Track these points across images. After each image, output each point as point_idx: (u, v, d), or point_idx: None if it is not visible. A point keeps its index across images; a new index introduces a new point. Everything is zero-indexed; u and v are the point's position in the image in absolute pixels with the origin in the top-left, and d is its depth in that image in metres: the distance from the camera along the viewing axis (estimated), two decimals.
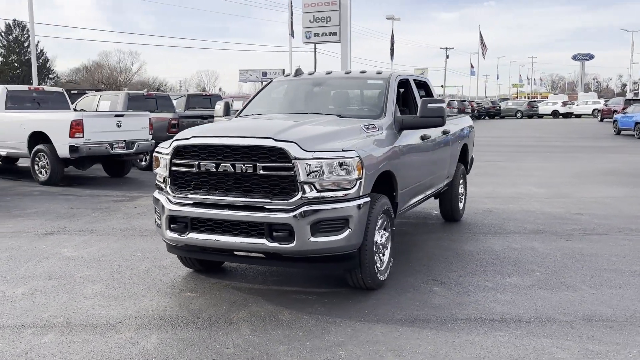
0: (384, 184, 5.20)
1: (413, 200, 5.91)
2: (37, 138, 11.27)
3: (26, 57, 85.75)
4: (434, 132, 6.49)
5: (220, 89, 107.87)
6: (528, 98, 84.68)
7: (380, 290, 4.89)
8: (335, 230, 4.36)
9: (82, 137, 10.61)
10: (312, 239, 4.29)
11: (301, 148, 4.28)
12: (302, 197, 4.27)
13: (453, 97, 58.81)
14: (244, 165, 4.37)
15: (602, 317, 4.31)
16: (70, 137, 10.62)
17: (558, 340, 3.87)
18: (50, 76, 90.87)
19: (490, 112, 52.54)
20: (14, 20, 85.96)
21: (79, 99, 15.95)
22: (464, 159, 8.31)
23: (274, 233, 4.33)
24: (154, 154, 4.91)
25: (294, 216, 4.25)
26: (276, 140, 4.32)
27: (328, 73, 6.36)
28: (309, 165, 4.25)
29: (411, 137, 5.72)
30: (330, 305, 4.56)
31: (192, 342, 3.85)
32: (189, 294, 4.85)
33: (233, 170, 4.41)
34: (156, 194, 4.92)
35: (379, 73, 6.01)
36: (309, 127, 4.84)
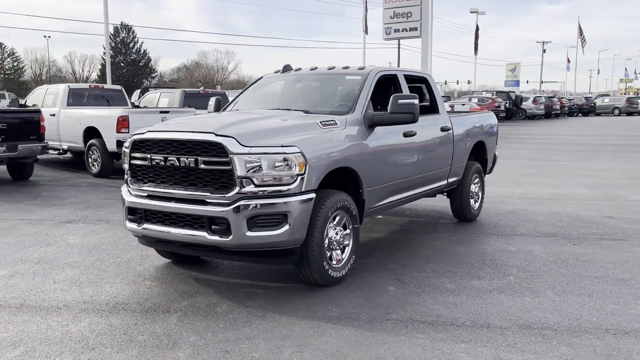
0: (348, 180, 5.15)
1: (392, 198, 5.79)
2: (91, 133, 12.01)
3: (131, 58, 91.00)
4: (426, 129, 6.34)
5: None
6: (637, 94, 79.27)
7: (335, 287, 4.87)
8: (273, 225, 4.38)
9: (128, 132, 11.18)
10: (249, 233, 4.34)
11: (239, 143, 4.34)
12: (239, 191, 4.33)
13: (553, 93, 56.07)
14: (187, 159, 4.50)
15: (543, 325, 4.07)
16: (117, 132, 11.24)
17: (474, 346, 3.70)
18: (153, 75, 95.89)
19: (584, 109, 49.77)
20: (121, 23, 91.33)
21: (143, 96, 16.79)
22: (482, 158, 8.02)
23: (213, 226, 4.43)
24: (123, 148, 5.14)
25: (230, 210, 4.32)
26: (217, 135, 4.41)
27: (312, 69, 6.36)
28: (247, 160, 4.31)
29: (388, 134, 5.62)
30: (275, 299, 4.60)
31: (116, 328, 4.02)
32: (149, 282, 5.04)
33: (179, 164, 4.54)
34: (122, 187, 5.16)
35: (360, 69, 5.94)
36: (255, 122, 4.90)
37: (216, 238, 4.42)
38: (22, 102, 14.34)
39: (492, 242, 6.51)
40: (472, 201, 7.69)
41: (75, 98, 13.10)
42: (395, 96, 5.34)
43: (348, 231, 5.08)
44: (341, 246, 5.01)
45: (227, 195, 4.37)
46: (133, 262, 5.69)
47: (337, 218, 4.92)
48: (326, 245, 4.80)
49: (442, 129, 6.64)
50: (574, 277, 5.20)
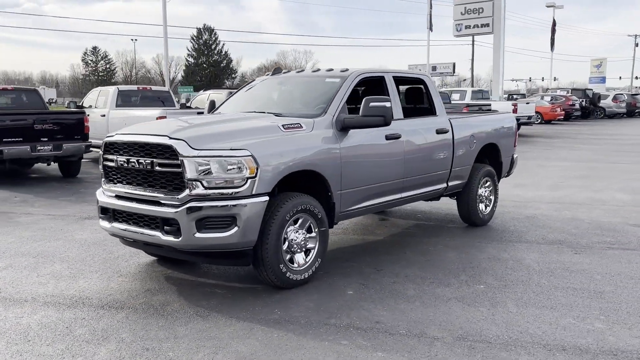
0: (317, 183, 5.16)
1: (372, 202, 5.72)
2: None
3: (213, 59, 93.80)
4: (417, 131, 6.23)
5: None
6: None
7: (294, 289, 4.89)
8: (221, 227, 4.47)
9: None
10: (198, 235, 4.44)
11: (189, 146, 4.45)
12: (189, 193, 4.44)
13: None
14: (145, 161, 4.67)
15: (480, 337, 3.93)
16: None
17: (390, 355, 3.63)
18: (234, 76, 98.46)
19: None
20: (204, 25, 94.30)
21: (195, 96, 17.39)
22: (495, 161, 7.77)
23: (166, 227, 4.57)
24: None
25: (180, 212, 4.44)
26: (170, 138, 4.54)
27: (299, 72, 6.39)
28: (197, 162, 4.41)
29: (367, 137, 5.56)
30: (230, 300, 4.68)
31: (63, 321, 4.23)
32: (121, 279, 5.25)
33: (138, 166, 4.72)
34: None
35: (342, 71, 5.91)
36: (213, 126, 4.99)
37: (169, 238, 4.55)
38: (79, 103, 15.19)
39: (488, 249, 6.30)
40: (481, 205, 7.45)
41: (124, 99, 13.72)
42: (367, 99, 5.28)
43: (314, 234, 5.07)
44: (304, 249, 5.01)
45: (178, 197, 4.49)
46: (121, 258, 5.92)
47: (300, 221, 4.94)
48: (285, 248, 4.82)
49: (438, 132, 6.48)
50: (549, 288, 4.96)
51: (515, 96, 35.72)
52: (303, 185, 5.18)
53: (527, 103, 24.02)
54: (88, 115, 11.90)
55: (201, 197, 4.45)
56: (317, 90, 5.80)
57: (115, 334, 4.00)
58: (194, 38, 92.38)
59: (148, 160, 4.64)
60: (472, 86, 49.73)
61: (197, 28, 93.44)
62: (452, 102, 23.21)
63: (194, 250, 4.60)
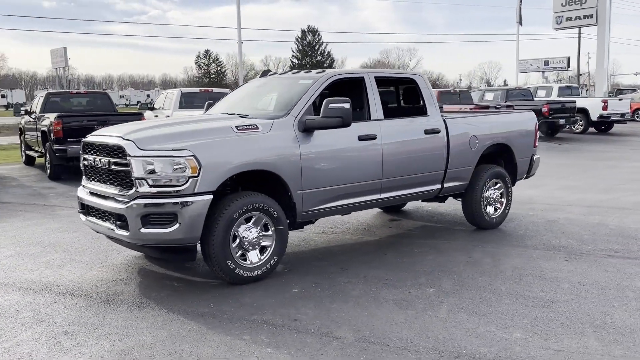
0: (277, 183, 5.30)
1: (343, 202, 5.75)
2: None
3: (316, 59, 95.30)
4: (399, 131, 6.18)
5: (504, 81, 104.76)
6: None
7: (248, 285, 5.05)
8: (164, 224, 4.74)
9: None
10: (143, 230, 4.75)
11: (137, 146, 4.77)
12: (136, 191, 4.76)
13: None
14: (104, 160, 5.05)
15: (379, 340, 3.92)
16: None
17: (277, 351, 3.74)
18: None
19: None
20: (308, 26, 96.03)
21: None
22: (509, 162, 7.50)
23: (117, 222, 4.91)
24: None
25: (127, 208, 4.77)
26: (123, 139, 4.89)
27: (282, 74, 6.52)
28: (142, 162, 4.72)
29: (336, 138, 5.61)
30: (178, 293, 4.95)
31: (18, 305, 4.69)
32: (99, 269, 5.68)
33: (101, 165, 5.11)
34: None
35: (318, 73, 5.99)
36: (165, 128, 5.25)
37: (121, 232, 4.89)
38: (150, 105, 16.21)
39: (475, 252, 6.13)
40: (489, 208, 7.22)
41: (187, 101, 14.46)
42: (327, 100, 5.34)
43: (270, 233, 5.21)
44: (259, 247, 5.17)
45: (127, 193, 4.82)
46: (116, 252, 6.36)
47: (254, 219, 5.10)
48: (234, 245, 5.00)
49: (428, 132, 6.38)
50: (501, 295, 4.79)
51: (625, 91, 33.37)
52: (264, 185, 5.33)
53: (620, 99, 22.42)
54: (156, 116, 12.66)
55: (147, 195, 4.74)
56: (290, 92, 5.91)
57: (51, 318, 4.38)
58: (298, 40, 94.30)
59: (106, 160, 5.01)
60: (578, 82, 46.96)
61: (301, 30, 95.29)
62: (536, 99, 22.15)
63: (141, 244, 4.90)
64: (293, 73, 6.42)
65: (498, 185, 7.32)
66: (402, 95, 7.12)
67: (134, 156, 4.73)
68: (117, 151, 4.89)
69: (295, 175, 5.32)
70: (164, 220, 4.73)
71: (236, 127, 5.16)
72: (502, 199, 7.39)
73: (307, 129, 5.43)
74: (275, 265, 5.28)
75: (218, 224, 4.88)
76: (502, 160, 7.65)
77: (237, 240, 5.04)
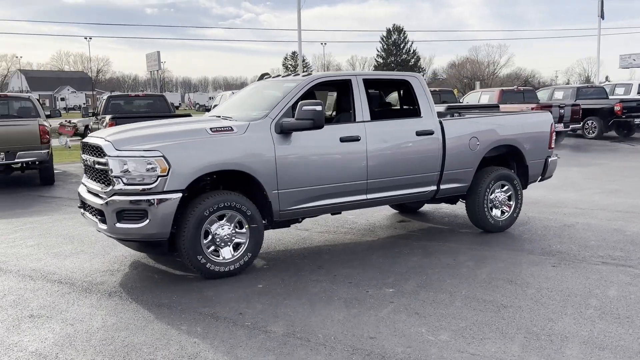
0: (252, 182, 5.53)
1: (323, 202, 5.86)
2: None
3: (401, 58, 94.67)
4: (387, 133, 6.24)
5: (606, 78, 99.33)
6: None
7: (220, 280, 5.31)
8: (136, 219, 5.10)
9: None
10: (118, 225, 5.13)
11: (114, 147, 5.16)
12: (113, 188, 5.16)
13: None
14: (91, 159, 5.49)
15: (306, 335, 4.05)
16: None
17: (202, 340, 3.95)
18: (422, 74, 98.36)
19: None
20: (393, 25, 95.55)
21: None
22: (520, 165, 7.35)
23: (98, 216, 5.33)
24: None
25: (105, 204, 5.17)
26: (105, 140, 5.30)
27: (275, 77, 6.73)
28: (118, 161, 5.11)
29: (316, 139, 5.76)
30: (153, 285, 5.28)
31: (7, 290, 5.18)
32: (98, 260, 6.12)
33: (89, 164, 5.56)
34: None
35: (305, 75, 6.15)
36: (143, 130, 5.58)
37: (102, 226, 5.30)
38: (207, 106, 16.89)
39: (464, 256, 6.09)
40: (495, 211, 7.11)
41: None
42: (300, 103, 5.51)
43: (244, 230, 5.46)
44: (233, 244, 5.42)
45: (106, 190, 5.22)
46: (122, 245, 6.79)
47: (227, 217, 5.36)
48: (206, 241, 5.28)
49: (420, 133, 6.39)
50: (455, 297, 4.78)
51: None
52: (245, 184, 5.57)
53: None
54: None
55: (122, 192, 5.11)
56: (274, 95, 6.11)
57: (28, 302, 4.83)
58: (383, 39, 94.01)
59: (92, 159, 5.44)
60: None
61: (386, 29, 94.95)
62: (612, 97, 21.04)
63: (117, 238, 5.28)
64: (283, 76, 6.62)
65: (505, 187, 7.17)
66: (395, 97, 7.13)
67: (111, 156, 5.10)
68: (99, 151, 5.29)
69: (269, 176, 5.51)
70: (136, 216, 5.07)
71: (210, 129, 5.43)
72: (511, 202, 7.23)
73: (283, 131, 5.60)
74: (249, 261, 5.50)
75: (189, 221, 5.17)
76: (514, 163, 7.47)
77: (210, 237, 5.30)
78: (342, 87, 6.19)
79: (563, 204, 8.75)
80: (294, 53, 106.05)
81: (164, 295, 4.94)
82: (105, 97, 15.19)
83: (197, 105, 72.22)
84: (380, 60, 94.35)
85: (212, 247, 5.33)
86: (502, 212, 7.18)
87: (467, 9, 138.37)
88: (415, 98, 6.57)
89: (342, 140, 5.91)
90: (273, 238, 6.90)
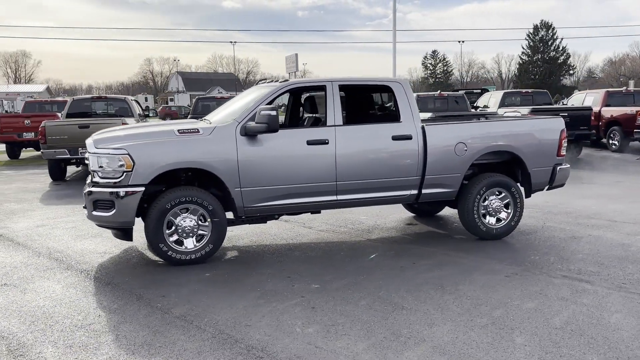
0: (219, 180, 6.08)
1: (290, 201, 6.20)
2: None
3: (549, 55, 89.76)
4: (360, 137, 6.48)
5: None
6: None
7: (183, 267, 5.89)
8: (106, 208, 5.87)
9: None
10: (94, 213, 5.95)
11: (94, 145, 5.98)
12: (92, 181, 5.99)
13: None
14: (85, 155, 6.36)
15: (205, 321, 4.51)
16: None
17: (113, 313, 4.58)
18: (571, 72, 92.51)
19: None
20: (541, 21, 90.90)
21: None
22: (523, 172, 7.21)
23: (84, 206, 6.19)
24: None
25: (86, 193, 6.01)
26: (91, 139, 6.14)
27: (269, 81, 7.16)
28: (96, 157, 5.92)
29: (279, 142, 6.16)
30: (132, 269, 6.03)
31: (19, 262, 6.14)
32: (109, 245, 7.00)
33: (85, 160, 6.44)
34: None
35: (281, 82, 6.56)
36: (123, 131, 6.29)
37: (86, 214, 6.14)
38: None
39: (427, 260, 6.15)
40: (488, 218, 7.03)
41: (420, 104, 15.45)
42: (259, 107, 5.96)
43: (207, 223, 6.03)
44: (196, 235, 6.02)
45: (88, 182, 6.05)
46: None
47: (190, 210, 5.96)
48: (169, 231, 5.93)
49: (396, 138, 6.54)
50: (369, 298, 4.94)
51: None
52: (212, 182, 6.11)
53: None
54: None
55: (98, 184, 5.90)
56: (250, 100, 6.58)
57: (12, 273, 5.76)
58: (530, 35, 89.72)
59: (86, 155, 6.30)
60: None
61: (533, 25, 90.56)
62: None
63: (96, 224, 6.08)
64: (268, 82, 7.04)
65: (502, 195, 7.04)
66: (376, 102, 7.25)
67: (91, 152, 5.91)
68: (87, 148, 6.13)
69: (232, 174, 6.01)
70: (106, 206, 5.83)
71: (178, 130, 6.04)
72: (508, 210, 7.08)
73: (247, 134, 6.07)
74: (210, 252, 6.04)
75: (152, 213, 5.83)
76: (519, 170, 7.29)
77: (173, 227, 5.91)
78: (319, 92, 6.49)
79: (584, 215, 8.30)
80: (433, 52, 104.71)
81: (120, 276, 5.64)
82: (195, 99, 16.44)
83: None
84: (525, 57, 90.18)
85: (176, 237, 5.93)
86: (498, 220, 7.05)
87: (634, 1, 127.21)
88: (396, 103, 6.70)
89: (309, 143, 6.24)
90: (268, 232, 7.41)
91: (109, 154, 5.79)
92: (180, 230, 5.93)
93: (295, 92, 7.79)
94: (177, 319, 4.50)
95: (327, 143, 6.27)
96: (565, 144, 7.35)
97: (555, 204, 9.17)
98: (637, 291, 5.08)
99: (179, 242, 5.97)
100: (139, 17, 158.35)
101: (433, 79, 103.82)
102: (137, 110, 14.48)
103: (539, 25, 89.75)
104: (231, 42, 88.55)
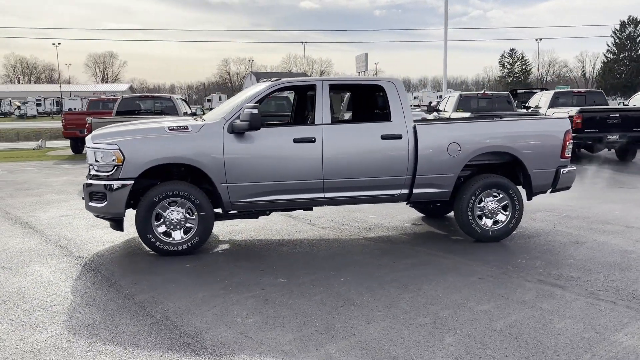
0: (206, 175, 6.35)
1: (276, 197, 6.35)
2: None
3: (636, 54, 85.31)
4: (348, 136, 6.57)
5: None
6: None
7: (166, 257, 6.23)
8: (99, 200, 6.25)
9: None
10: (90, 203, 6.35)
11: (92, 140, 6.39)
12: (89, 173, 6.41)
13: None
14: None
15: (157, 310, 4.78)
16: None
17: (77, 295, 4.92)
18: None
19: None
20: (629, 17, 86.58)
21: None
22: (524, 174, 7.08)
23: (83, 197, 6.61)
24: None
25: (84, 185, 6.43)
26: (91, 135, 6.56)
27: (265, 80, 7.34)
28: (92, 152, 6.32)
29: (266, 140, 6.34)
30: (110, 258, 6.43)
31: (16, 248, 6.69)
32: (117, 236, 7.46)
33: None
34: None
35: (274, 81, 6.74)
36: (118, 128, 6.65)
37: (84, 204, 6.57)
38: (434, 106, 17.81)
39: (408, 259, 6.15)
40: (484, 220, 6.94)
41: (464, 104, 15.44)
42: (244, 106, 6.18)
43: (194, 217, 6.32)
44: (184, 228, 6.31)
45: (86, 175, 6.47)
46: None
47: (178, 203, 6.26)
48: (157, 223, 6.24)
49: (385, 137, 6.58)
50: (323, 294, 5.04)
51: None
52: (201, 177, 6.38)
53: None
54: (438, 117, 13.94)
55: (94, 177, 6.30)
56: (243, 98, 6.79)
57: (15, 258, 6.23)
58: (616, 32, 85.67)
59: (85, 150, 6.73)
60: None
61: (620, 21, 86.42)
62: None
63: (94, 214, 6.47)
64: (263, 81, 7.22)
65: (500, 196, 6.93)
66: (367, 102, 7.27)
67: (89, 147, 6.32)
68: (86, 143, 6.54)
69: (218, 170, 6.24)
70: (99, 197, 6.21)
71: (168, 127, 6.34)
72: (506, 212, 6.95)
73: (234, 131, 6.29)
74: (197, 244, 6.30)
75: (141, 205, 6.16)
76: (521, 171, 7.14)
77: (162, 220, 6.22)
78: (309, 92, 6.62)
79: (616, 221, 7.96)
80: (511, 50, 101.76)
81: (108, 263, 6.01)
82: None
83: (430, 104, 73.35)
84: (610, 56, 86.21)
85: (164, 229, 6.23)
86: (495, 222, 6.94)
87: None
88: (387, 102, 6.73)
89: (296, 141, 6.38)
90: (269, 228, 7.65)
91: (103, 148, 6.15)
92: (168, 223, 6.22)
93: (300, 91, 7.95)
94: (135, 304, 4.77)
95: (314, 141, 6.38)
96: (571, 146, 7.12)
97: (577, 207, 8.86)
98: (606, 298, 4.91)
99: (168, 234, 6.25)
100: (219, 19, 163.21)
101: (510, 78, 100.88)
102: (183, 108, 15.03)
103: (626, 21, 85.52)
104: (302, 42, 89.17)
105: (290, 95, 13.98)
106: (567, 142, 7.04)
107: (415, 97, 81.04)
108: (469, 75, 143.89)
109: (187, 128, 6.30)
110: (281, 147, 6.38)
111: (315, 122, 6.51)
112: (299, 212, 8.42)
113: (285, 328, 4.24)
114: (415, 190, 6.74)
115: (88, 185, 6.26)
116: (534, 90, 22.69)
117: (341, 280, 5.38)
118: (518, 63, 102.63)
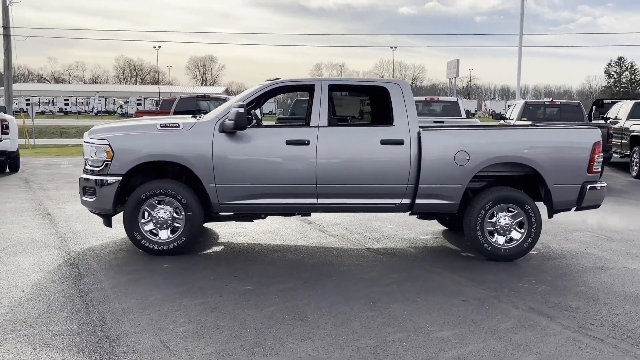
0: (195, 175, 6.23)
1: (267, 201, 6.08)
2: None
3: None
4: (345, 139, 6.23)
5: None
6: None
7: (155, 257, 6.16)
8: (90, 194, 6.27)
9: None
10: (83, 198, 6.38)
11: (88, 136, 6.44)
12: (85, 168, 6.46)
13: None
14: None
15: (104, 305, 4.68)
16: None
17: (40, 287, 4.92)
18: None
19: None
20: None
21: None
22: (544, 189, 6.42)
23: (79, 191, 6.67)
24: None
25: (79, 179, 6.49)
26: (88, 131, 6.61)
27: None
28: (87, 147, 6.37)
29: (258, 141, 6.13)
30: (99, 252, 6.43)
31: (33, 239, 6.85)
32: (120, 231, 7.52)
33: None
34: None
35: (272, 80, 6.51)
36: (113, 124, 6.61)
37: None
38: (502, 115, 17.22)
39: (397, 274, 5.74)
40: (496, 237, 6.35)
41: (529, 112, 14.82)
42: (233, 105, 6.00)
43: (181, 217, 6.20)
44: (171, 227, 6.21)
45: (82, 169, 6.53)
46: None
47: (166, 201, 6.17)
48: (144, 221, 6.17)
49: (385, 142, 6.18)
50: (276, 304, 4.76)
51: None
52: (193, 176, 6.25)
53: None
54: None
55: (87, 172, 6.33)
56: (239, 97, 6.59)
57: (17, 247, 6.37)
58: None
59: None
60: None
61: None
62: None
63: (89, 210, 6.49)
64: (266, 80, 6.96)
65: (515, 212, 6.32)
66: (370, 104, 6.82)
67: (85, 142, 6.36)
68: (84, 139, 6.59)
69: (206, 169, 6.08)
70: (90, 192, 6.22)
71: (160, 125, 6.26)
72: (522, 229, 6.33)
73: (224, 130, 6.11)
74: (183, 244, 6.17)
75: (129, 202, 6.12)
76: (542, 186, 6.49)
77: (149, 218, 6.14)
78: (308, 92, 6.33)
79: None
80: (619, 58, 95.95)
81: (90, 259, 6.01)
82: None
83: (493, 113, 71.00)
84: None
85: (151, 227, 6.14)
86: (509, 240, 6.33)
87: None
88: (390, 106, 6.30)
89: (289, 143, 6.11)
90: (276, 232, 7.43)
91: (95, 144, 6.15)
92: (155, 221, 6.12)
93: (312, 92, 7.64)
94: (82, 302, 4.68)
95: (308, 144, 6.08)
96: (600, 160, 6.36)
97: (626, 229, 7.97)
98: (595, 335, 4.28)
99: (155, 233, 6.15)
100: (316, 24, 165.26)
101: (617, 88, 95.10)
102: None
103: None
104: (391, 47, 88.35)
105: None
106: (596, 156, 6.29)
107: (508, 106, 78.18)
108: (573, 84, 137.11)
109: (179, 126, 6.18)
110: (273, 149, 6.13)
111: (311, 124, 6.20)
112: (316, 217, 8.13)
113: (211, 340, 3.98)
114: (418, 201, 6.26)
115: (82, 179, 6.27)
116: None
117: (308, 294, 5.03)
118: (626, 72, 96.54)
